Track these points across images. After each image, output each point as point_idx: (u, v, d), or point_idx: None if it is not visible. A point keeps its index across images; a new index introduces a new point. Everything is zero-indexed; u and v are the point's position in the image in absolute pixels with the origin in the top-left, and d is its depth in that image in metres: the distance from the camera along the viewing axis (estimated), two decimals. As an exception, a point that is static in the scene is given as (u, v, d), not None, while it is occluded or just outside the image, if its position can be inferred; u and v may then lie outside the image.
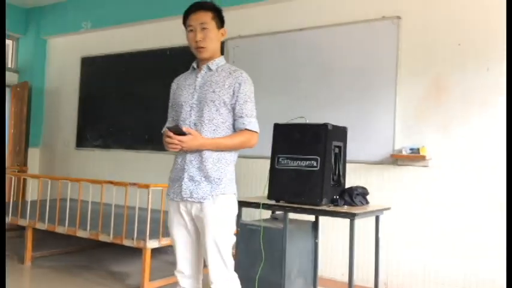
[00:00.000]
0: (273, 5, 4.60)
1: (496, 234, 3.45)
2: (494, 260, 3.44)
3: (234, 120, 2.10)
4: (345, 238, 3.82)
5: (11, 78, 6.69)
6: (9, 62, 6.86)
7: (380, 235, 3.18)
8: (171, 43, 5.42)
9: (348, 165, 3.21)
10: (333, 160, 2.99)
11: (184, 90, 2.16)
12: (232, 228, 2.10)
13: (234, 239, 2.10)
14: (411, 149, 3.77)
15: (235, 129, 2.11)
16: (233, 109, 2.09)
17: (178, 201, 2.09)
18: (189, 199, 2.04)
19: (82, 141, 6.23)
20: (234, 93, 2.07)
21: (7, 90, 6.73)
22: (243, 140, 2.08)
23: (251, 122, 2.09)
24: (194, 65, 2.21)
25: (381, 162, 3.95)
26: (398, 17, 3.92)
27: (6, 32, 6.57)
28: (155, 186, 3.67)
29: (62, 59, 6.59)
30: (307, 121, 3.17)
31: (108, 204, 4.00)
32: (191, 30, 2.12)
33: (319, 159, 2.92)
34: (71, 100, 6.36)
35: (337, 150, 3.05)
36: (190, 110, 2.10)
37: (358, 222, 2.80)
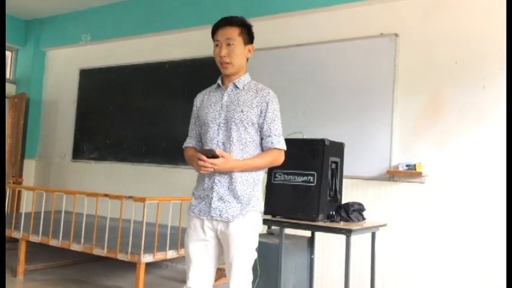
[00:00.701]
0: (271, 21, 4.65)
1: (494, 251, 3.44)
2: (492, 276, 3.42)
3: (262, 138, 2.10)
4: (340, 254, 3.80)
5: (9, 89, 6.69)
6: (8, 73, 6.87)
7: (376, 251, 3.16)
8: (169, 57, 5.46)
9: (344, 181, 3.20)
10: (329, 176, 2.99)
11: (211, 108, 2.15)
12: (255, 244, 2.10)
13: (256, 255, 2.10)
14: (408, 166, 3.78)
15: (262, 148, 2.12)
16: (261, 128, 2.09)
17: (203, 218, 2.08)
18: (218, 218, 2.05)
19: (78, 153, 6.21)
20: (261, 113, 2.08)
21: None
22: (272, 159, 2.10)
23: (279, 142, 2.10)
24: (219, 81, 2.19)
25: (377, 178, 3.95)
26: (396, 35, 3.96)
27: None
28: (151, 199, 3.65)
29: (60, 71, 6.61)
30: (305, 136, 3.17)
31: (103, 217, 3.97)
32: (217, 45, 2.12)
33: (316, 174, 2.92)
34: (68, 112, 6.36)
35: (334, 166, 3.05)
36: (218, 129, 2.10)
37: (354, 238, 2.79)
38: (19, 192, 5.02)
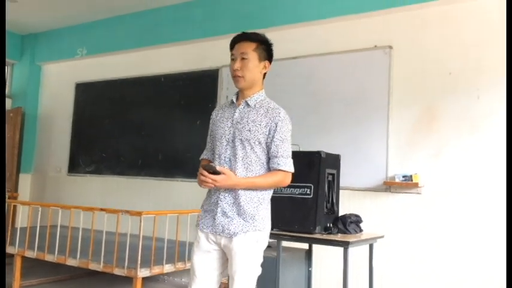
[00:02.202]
0: (267, 33, 4.64)
1: (492, 261, 3.44)
2: (490, 286, 3.42)
3: (269, 158, 2.09)
4: (338, 266, 3.79)
5: (4, 103, 6.69)
6: (3, 88, 6.87)
7: (374, 263, 3.15)
8: (165, 70, 5.48)
9: (340, 192, 3.21)
10: (326, 188, 2.99)
11: (222, 123, 2.15)
12: (260, 260, 2.09)
13: (260, 270, 2.09)
14: (404, 176, 3.78)
15: (269, 168, 2.10)
16: (268, 148, 2.07)
17: (207, 232, 2.10)
18: (221, 233, 2.05)
19: (74, 167, 6.19)
20: (269, 133, 2.06)
21: None
22: (276, 180, 2.07)
23: (286, 163, 2.07)
24: (234, 98, 2.20)
25: (374, 190, 3.95)
26: (390, 47, 4.00)
27: (1, 58, 6.64)
28: (147, 213, 3.63)
29: (56, 85, 6.61)
30: (300, 149, 3.18)
31: (99, 231, 3.95)
32: (232, 59, 2.14)
33: (312, 186, 2.92)
34: (64, 126, 6.35)
35: (330, 177, 3.06)
36: (226, 145, 2.10)
37: (351, 250, 2.78)
38: (14, 207, 4.98)
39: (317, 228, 2.87)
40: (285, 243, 3.07)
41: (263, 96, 2.16)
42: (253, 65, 2.10)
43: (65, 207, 4.25)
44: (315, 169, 2.94)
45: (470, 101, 3.66)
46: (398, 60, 3.97)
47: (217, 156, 2.12)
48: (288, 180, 2.11)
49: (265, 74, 2.18)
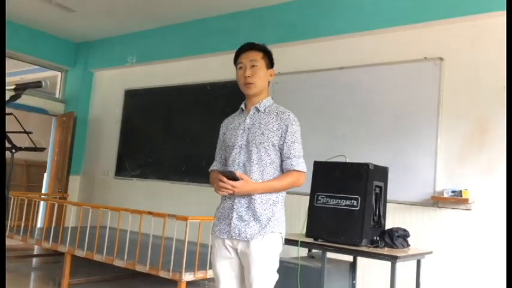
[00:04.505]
0: (313, 44, 4.70)
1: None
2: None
3: (282, 160, 2.13)
4: (381, 280, 3.73)
5: (57, 108, 7.02)
6: (57, 93, 7.21)
7: (421, 279, 3.08)
8: (211, 78, 5.60)
9: (387, 205, 3.16)
10: (373, 200, 2.96)
11: (234, 131, 2.21)
12: (276, 266, 2.11)
13: (277, 276, 2.10)
14: (453, 192, 3.69)
15: (282, 170, 2.15)
16: (281, 150, 2.13)
17: (224, 238, 2.13)
18: (237, 238, 2.08)
19: (121, 170, 6.40)
20: (282, 135, 2.12)
21: (53, 119, 7.06)
22: (291, 181, 2.11)
23: (299, 163, 2.12)
24: (242, 106, 2.27)
25: (421, 204, 3.87)
26: (441, 58, 3.92)
27: (56, 64, 6.98)
28: (193, 218, 3.71)
29: (106, 91, 6.88)
30: (347, 160, 3.16)
31: (145, 234, 4.06)
32: (241, 68, 2.20)
33: (359, 198, 2.90)
34: (112, 130, 6.59)
35: (378, 190, 3.02)
36: (240, 151, 2.15)
37: (398, 265, 2.73)
38: (65, 207, 5.20)
39: (363, 240, 2.84)
40: (329, 255, 3.05)
41: (271, 102, 2.24)
42: (263, 72, 2.19)
43: (114, 209, 4.39)
44: (363, 181, 2.92)
45: (526, 116, 3.53)
46: (449, 72, 3.89)
47: (230, 162, 2.16)
48: (302, 179, 2.14)
49: (269, 81, 2.26)
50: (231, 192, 2.04)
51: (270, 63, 2.24)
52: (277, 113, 2.17)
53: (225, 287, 2.13)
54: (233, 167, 2.13)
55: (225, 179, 2.02)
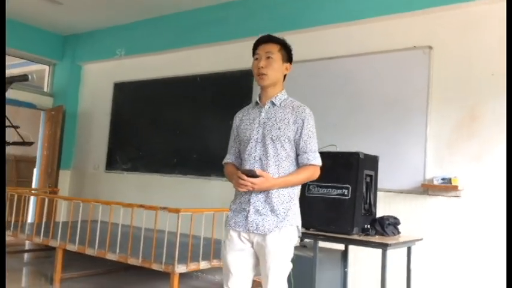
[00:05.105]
0: (303, 34, 4.68)
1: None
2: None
3: (298, 155, 2.16)
4: (373, 268, 3.76)
5: (46, 102, 6.94)
6: (45, 87, 7.13)
7: (411, 266, 3.12)
8: (201, 70, 5.57)
9: (377, 194, 3.18)
10: (364, 189, 2.98)
11: (249, 125, 2.22)
12: (291, 256, 2.15)
13: (291, 266, 2.14)
14: (443, 179, 3.72)
15: (298, 163, 2.17)
16: (297, 144, 2.15)
17: (239, 230, 2.14)
18: (255, 231, 2.10)
19: (112, 164, 6.36)
20: (297, 130, 2.14)
21: (41, 113, 6.98)
22: (308, 175, 2.16)
23: (315, 157, 2.15)
24: (257, 99, 2.27)
25: (411, 192, 3.90)
26: (430, 47, 3.94)
27: (43, 58, 6.89)
28: (186, 211, 3.71)
29: (95, 84, 6.82)
30: (338, 149, 3.17)
31: (137, 227, 4.05)
32: (256, 58, 2.22)
33: (350, 187, 2.92)
34: (102, 124, 6.54)
35: (368, 179, 3.04)
36: (256, 145, 2.17)
37: (389, 252, 2.76)
38: (56, 201, 5.16)
39: (354, 229, 2.86)
40: (321, 244, 3.07)
41: (286, 96, 2.25)
42: (278, 65, 2.20)
43: (106, 203, 4.38)
44: (353, 170, 2.94)
45: (514, 103, 3.56)
46: (438, 60, 3.91)
47: (246, 156, 2.18)
48: (317, 173, 2.19)
49: (285, 75, 2.27)
50: (251, 189, 2.07)
51: (288, 57, 2.25)
52: (292, 107, 2.19)
53: (236, 280, 2.15)
54: (249, 161, 2.15)
55: (245, 177, 2.05)
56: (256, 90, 5.05)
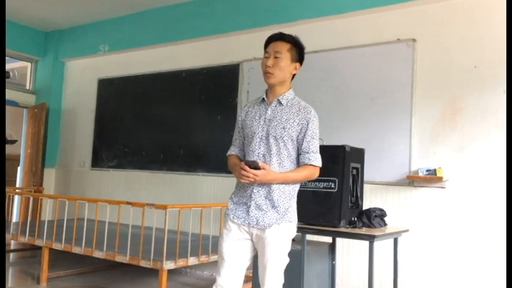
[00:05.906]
0: (288, 28, 4.63)
1: (517, 257, 3.40)
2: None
3: (299, 154, 2.20)
4: (361, 260, 3.81)
5: (28, 99, 6.83)
6: (28, 84, 7.01)
7: (398, 257, 3.15)
8: (186, 65, 5.53)
9: (364, 186, 3.21)
10: (351, 182, 3.00)
11: (255, 121, 2.25)
12: (288, 250, 2.20)
13: (288, 259, 2.19)
14: (428, 171, 3.77)
15: (299, 163, 2.21)
16: (299, 144, 2.19)
17: (239, 224, 2.18)
18: (255, 226, 2.14)
19: (97, 161, 6.30)
20: (301, 130, 2.18)
21: (24, 111, 6.87)
22: (308, 174, 2.20)
23: (316, 158, 2.20)
24: (264, 95, 2.28)
25: (396, 184, 3.94)
26: (414, 40, 3.97)
27: (25, 55, 6.77)
28: (172, 207, 3.69)
29: (79, 81, 6.73)
30: (324, 143, 3.18)
31: (125, 224, 4.03)
32: (266, 57, 2.23)
33: (337, 180, 2.93)
34: (87, 121, 6.47)
35: (354, 171, 3.06)
36: (260, 142, 2.20)
37: (376, 244, 2.79)
38: (41, 200, 5.10)
39: (342, 222, 2.88)
40: (308, 237, 3.09)
41: (293, 95, 2.28)
42: (285, 64, 2.21)
43: (92, 200, 4.34)
44: (340, 163, 2.95)
45: (496, 95, 3.62)
46: (422, 53, 3.94)
47: (250, 152, 2.21)
48: (317, 174, 2.24)
49: (294, 74, 2.28)
50: (252, 180, 2.09)
51: (298, 57, 2.25)
52: (298, 108, 2.22)
53: (230, 268, 2.17)
54: (253, 157, 2.18)
55: (247, 168, 2.07)
56: (242, 85, 5.05)
